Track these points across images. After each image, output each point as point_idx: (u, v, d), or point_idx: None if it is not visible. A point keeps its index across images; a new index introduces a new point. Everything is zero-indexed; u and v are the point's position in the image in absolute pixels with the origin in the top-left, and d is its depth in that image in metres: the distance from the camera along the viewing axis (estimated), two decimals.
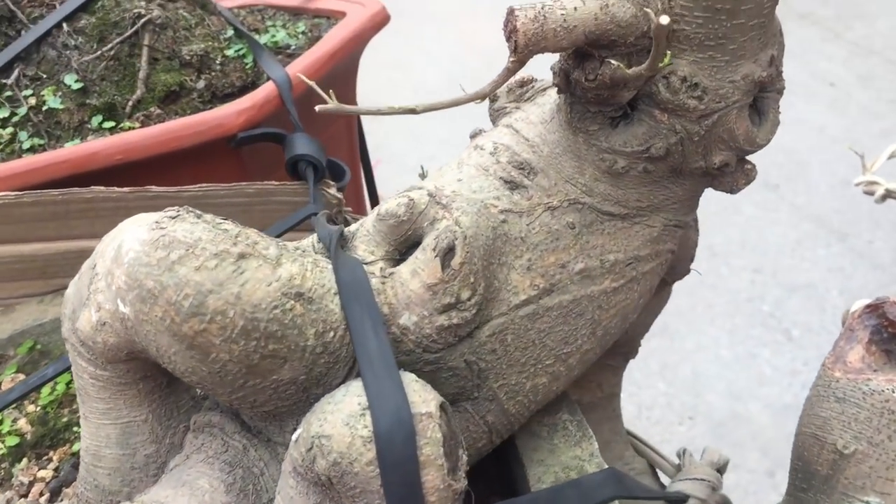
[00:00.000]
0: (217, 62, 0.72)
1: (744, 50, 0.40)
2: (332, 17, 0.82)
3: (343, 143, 0.87)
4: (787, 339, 2.20)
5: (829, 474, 0.53)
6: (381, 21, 0.79)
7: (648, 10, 0.37)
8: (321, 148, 0.62)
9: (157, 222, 0.38)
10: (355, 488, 0.36)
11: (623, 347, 0.62)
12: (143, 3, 0.71)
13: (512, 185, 0.44)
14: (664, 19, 0.36)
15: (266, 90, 0.64)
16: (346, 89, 0.83)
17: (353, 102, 0.86)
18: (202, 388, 0.40)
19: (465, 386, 0.43)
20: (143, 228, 0.38)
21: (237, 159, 0.65)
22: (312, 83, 0.38)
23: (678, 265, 0.54)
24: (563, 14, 0.37)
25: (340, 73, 0.77)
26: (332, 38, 0.73)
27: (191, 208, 0.40)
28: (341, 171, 0.65)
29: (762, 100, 0.44)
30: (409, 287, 0.40)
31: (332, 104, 0.37)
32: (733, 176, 0.45)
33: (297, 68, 0.68)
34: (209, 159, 0.63)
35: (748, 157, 0.46)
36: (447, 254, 0.41)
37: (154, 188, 0.59)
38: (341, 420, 0.36)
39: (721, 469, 0.60)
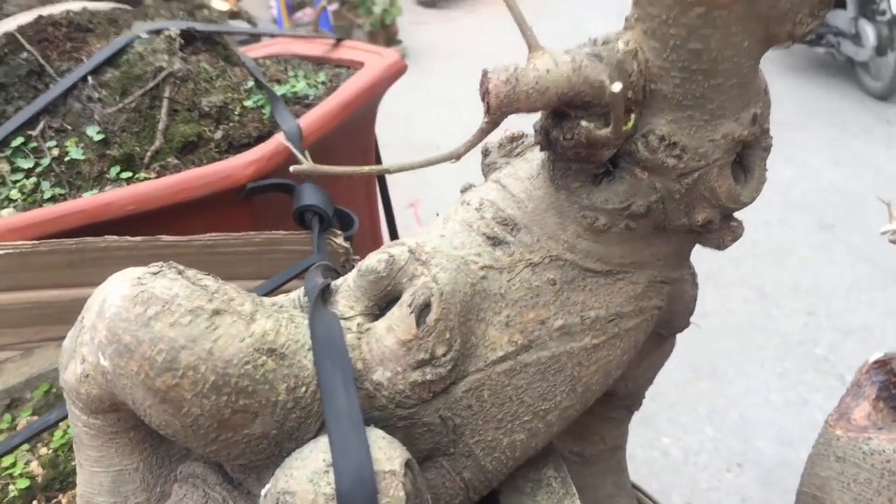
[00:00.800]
0: (236, 113, 0.74)
1: (723, 109, 0.40)
2: (352, 66, 0.83)
3: (360, 191, 0.89)
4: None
5: None
6: (397, 71, 0.80)
7: (604, 78, 0.37)
8: (328, 198, 0.63)
9: (138, 278, 0.39)
10: None
11: (625, 401, 0.61)
12: (165, 57, 0.73)
13: (494, 242, 0.44)
14: (616, 87, 0.36)
15: (275, 142, 0.66)
16: (363, 136, 0.84)
17: (371, 149, 0.87)
18: (178, 441, 0.41)
19: (440, 441, 0.43)
20: (125, 284, 0.39)
21: (249, 209, 0.66)
22: (288, 143, 0.39)
23: (675, 320, 0.53)
24: (535, 76, 0.38)
25: (357, 121, 0.78)
26: (347, 88, 0.75)
27: (174, 264, 0.41)
28: (350, 220, 0.66)
29: (747, 157, 0.44)
30: (383, 343, 0.41)
31: (307, 164, 0.38)
32: (719, 233, 0.44)
33: (311, 118, 0.70)
34: (220, 209, 0.65)
35: (735, 214, 0.45)
36: (423, 310, 0.41)
37: (165, 237, 0.61)
38: (305, 477, 0.36)
39: None
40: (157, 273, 0.40)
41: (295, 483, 0.36)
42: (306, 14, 6.82)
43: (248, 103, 0.75)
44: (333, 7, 8.00)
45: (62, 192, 0.68)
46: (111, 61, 0.73)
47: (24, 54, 0.73)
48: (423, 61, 7.41)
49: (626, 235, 0.44)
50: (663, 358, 0.61)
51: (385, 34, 7.46)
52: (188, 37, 0.77)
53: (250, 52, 0.92)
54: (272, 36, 0.97)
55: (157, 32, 0.75)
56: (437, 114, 6.01)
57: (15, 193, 0.68)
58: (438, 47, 7.71)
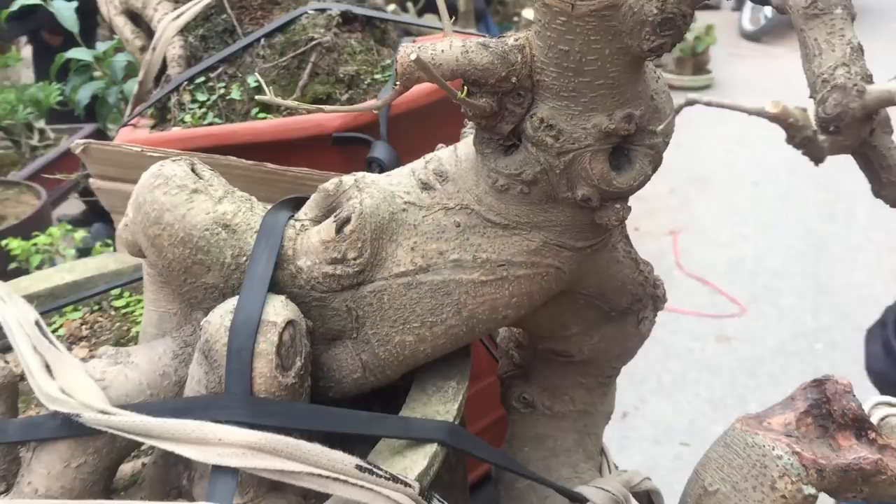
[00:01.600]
0: (365, 82, 0.91)
1: (595, 104, 0.49)
2: None
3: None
4: None
5: (692, 496, 0.57)
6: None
7: (490, 63, 0.48)
8: (394, 154, 0.77)
9: (161, 163, 0.57)
10: (216, 361, 0.51)
11: (590, 368, 0.69)
12: (321, 31, 0.92)
13: (425, 186, 0.56)
14: (413, 56, 0.46)
15: (369, 106, 0.81)
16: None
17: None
18: (164, 279, 0.58)
19: (345, 327, 0.56)
20: (155, 166, 0.57)
21: (339, 154, 0.82)
22: (263, 82, 0.54)
23: (609, 296, 0.62)
24: (432, 54, 0.49)
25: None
26: None
27: (195, 160, 0.58)
28: None
29: (631, 151, 0.52)
30: (311, 240, 0.55)
31: (269, 97, 0.52)
32: (603, 212, 0.53)
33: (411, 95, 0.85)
34: (315, 150, 0.81)
35: (628, 199, 0.53)
36: (345, 222, 0.54)
37: (269, 165, 0.79)
38: (218, 313, 0.52)
39: (637, 492, 0.65)
40: (175, 161, 0.57)
41: (212, 317, 0.52)
42: None
43: (379, 76, 0.92)
44: None
45: (219, 121, 0.89)
46: (282, 28, 0.92)
47: (224, 16, 0.95)
48: (727, 94, 7.22)
49: (523, 198, 0.54)
50: (627, 338, 0.68)
51: (694, 62, 7.38)
52: (348, 17, 0.95)
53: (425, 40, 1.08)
54: (433, 28, 1.12)
55: (323, 10, 0.94)
56: (727, 148, 5.88)
57: (188, 118, 0.89)
58: (749, 82, 7.49)
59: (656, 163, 0.53)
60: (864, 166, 0.52)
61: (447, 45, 0.49)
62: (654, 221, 4.74)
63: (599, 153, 0.51)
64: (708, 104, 0.98)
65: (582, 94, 0.49)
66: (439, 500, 0.50)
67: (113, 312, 0.86)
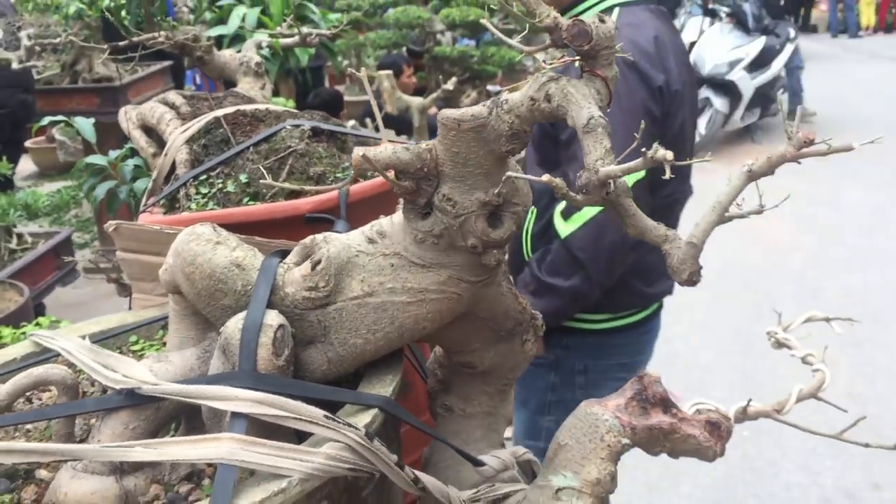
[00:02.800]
0: (329, 179, 1.20)
1: (476, 185, 0.79)
2: None
3: None
4: None
5: (551, 457, 0.84)
6: None
7: (409, 160, 0.78)
8: (351, 230, 1.06)
9: (194, 226, 0.85)
10: (231, 352, 0.78)
11: (492, 379, 0.97)
12: (296, 141, 1.22)
13: (370, 241, 0.85)
14: (356, 154, 0.76)
15: (331, 194, 1.11)
16: None
17: None
18: (188, 310, 0.85)
19: (316, 333, 0.83)
20: (190, 227, 0.85)
21: (312, 230, 1.10)
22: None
23: (498, 319, 0.90)
24: (374, 153, 0.79)
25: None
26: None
27: (216, 225, 0.86)
28: None
29: (502, 215, 0.81)
30: (294, 275, 0.83)
31: (269, 181, 0.81)
32: (485, 255, 0.81)
33: (357, 187, 1.14)
34: (292, 227, 1.09)
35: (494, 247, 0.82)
36: (317, 264, 0.82)
37: (257, 238, 1.07)
38: (234, 321, 0.79)
39: (521, 462, 0.91)
40: (203, 225, 0.85)
41: (229, 323, 0.79)
42: None
43: (340, 175, 1.21)
44: None
45: (218, 208, 1.17)
46: (266, 139, 1.22)
47: (221, 130, 1.25)
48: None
49: (434, 247, 0.82)
50: (515, 354, 0.96)
51: None
52: (317, 131, 1.26)
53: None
54: (378, 139, 1.43)
55: (297, 126, 1.24)
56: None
57: (193, 206, 1.18)
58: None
59: (518, 224, 0.82)
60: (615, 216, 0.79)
61: (384, 148, 0.79)
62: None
63: (480, 216, 0.80)
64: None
65: (468, 178, 0.78)
66: (379, 441, 0.76)
67: (130, 354, 1.12)
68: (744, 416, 0.96)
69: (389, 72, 5.11)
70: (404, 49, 7.75)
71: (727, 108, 9.41)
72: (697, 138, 9.88)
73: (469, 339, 0.92)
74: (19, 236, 3.95)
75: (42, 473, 0.85)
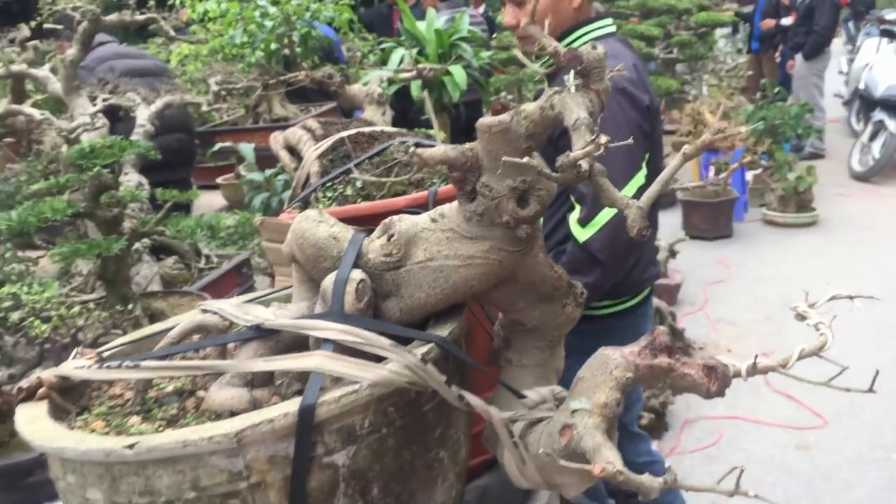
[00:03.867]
0: (427, 184, 1.49)
1: (507, 174, 1.03)
2: None
3: None
4: None
5: (572, 389, 1.06)
6: None
7: (455, 156, 1.04)
8: None
9: (305, 212, 1.15)
10: (326, 299, 1.07)
11: (540, 335, 1.20)
12: (401, 154, 1.51)
13: (433, 220, 1.11)
14: (426, 154, 1.02)
15: (422, 194, 1.38)
16: None
17: None
18: (305, 270, 1.14)
19: (391, 289, 1.10)
20: (304, 213, 1.15)
21: None
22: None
23: (537, 283, 1.14)
24: (429, 153, 1.06)
25: None
26: None
27: (322, 211, 1.16)
28: None
29: (528, 197, 1.05)
30: (374, 245, 1.11)
31: (358, 174, 1.10)
32: (518, 229, 1.06)
33: (444, 188, 1.42)
34: None
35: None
36: (392, 236, 1.10)
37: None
38: (329, 277, 1.08)
39: (559, 398, 1.13)
40: (312, 210, 1.14)
41: (326, 279, 1.08)
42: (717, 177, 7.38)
43: (435, 181, 1.50)
44: (757, 171, 8.45)
45: (339, 206, 1.48)
46: (378, 153, 1.53)
47: (344, 147, 1.56)
48: (831, 230, 7.52)
49: (478, 223, 1.08)
50: (557, 315, 1.19)
51: (797, 200, 7.72)
52: (419, 146, 1.55)
53: None
54: None
55: (403, 143, 1.54)
56: (826, 281, 6.15)
57: (320, 206, 1.49)
58: (853, 220, 7.75)
59: (542, 205, 1.06)
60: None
61: (437, 148, 1.06)
62: (745, 344, 5.06)
63: (511, 198, 1.05)
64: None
65: (500, 169, 1.04)
66: (432, 366, 1.02)
67: None
68: (754, 370, 1.15)
69: None
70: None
71: None
72: (871, 162, 9.48)
73: (514, 300, 1.17)
74: (207, 257, 4.51)
75: (200, 393, 1.17)
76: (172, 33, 4.58)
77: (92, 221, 3.29)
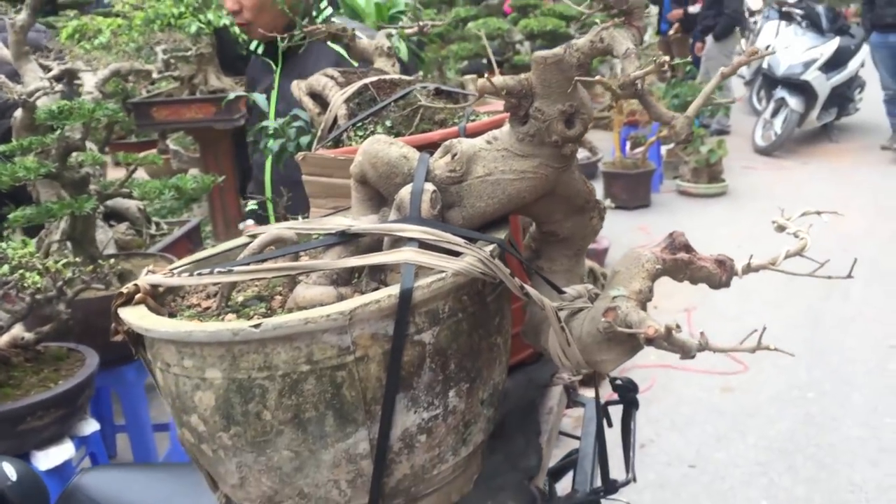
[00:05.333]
0: (449, 124, 1.67)
1: (557, 99, 1.23)
2: None
3: None
4: None
5: (609, 281, 1.28)
6: None
7: (510, 84, 1.23)
8: None
9: (374, 136, 1.31)
10: (404, 207, 1.24)
11: (569, 244, 1.41)
12: (423, 98, 1.69)
13: (488, 142, 1.30)
14: (482, 81, 1.21)
15: (453, 129, 1.57)
16: None
17: None
18: (379, 187, 1.31)
19: (454, 200, 1.29)
20: (373, 137, 1.32)
21: None
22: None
23: (573, 196, 1.34)
24: (494, 80, 1.24)
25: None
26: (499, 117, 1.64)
27: (389, 137, 1.33)
28: None
29: (574, 119, 1.25)
30: (440, 163, 1.29)
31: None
32: (565, 147, 1.26)
33: (473, 125, 1.60)
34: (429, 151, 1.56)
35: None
36: (454, 155, 1.28)
37: None
38: (405, 189, 1.25)
39: (591, 295, 1.34)
40: (378, 136, 1.31)
41: (402, 191, 1.25)
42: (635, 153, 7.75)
43: (456, 121, 1.68)
44: (669, 146, 8.89)
45: None
46: (402, 97, 1.70)
47: (369, 92, 1.73)
48: (739, 199, 8.01)
49: (529, 143, 1.27)
50: (585, 226, 1.40)
51: (709, 172, 8.18)
52: (439, 91, 1.73)
53: (485, 108, 1.86)
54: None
55: (425, 87, 1.71)
56: (738, 244, 6.57)
57: (353, 143, 1.66)
58: (759, 190, 8.26)
59: (585, 126, 1.26)
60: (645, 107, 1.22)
61: (498, 77, 1.24)
62: (671, 301, 5.41)
63: (560, 120, 1.24)
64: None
65: (551, 96, 1.23)
66: (500, 260, 1.21)
67: None
68: (748, 268, 1.38)
69: (474, 76, 5.60)
70: (485, 59, 8.23)
71: (802, 107, 9.59)
72: (773, 137, 10.07)
73: (553, 212, 1.37)
74: (157, 224, 4.57)
75: (277, 299, 1.33)
76: None
77: (59, 182, 3.34)
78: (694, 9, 10.64)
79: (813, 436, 3.88)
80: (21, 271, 2.59)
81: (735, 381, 4.54)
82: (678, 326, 1.10)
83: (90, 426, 2.79)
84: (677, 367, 4.49)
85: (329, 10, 2.97)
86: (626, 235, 6.72)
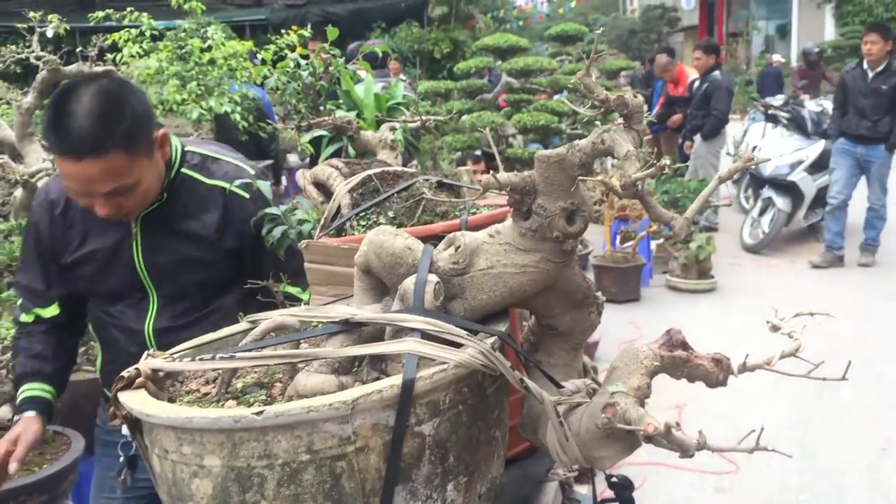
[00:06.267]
0: (450, 216, 1.71)
1: (559, 197, 1.27)
2: None
3: None
4: None
5: (607, 377, 1.29)
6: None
7: (516, 181, 1.26)
8: None
9: (379, 227, 1.34)
10: (407, 298, 1.26)
11: (567, 339, 1.42)
12: (424, 190, 1.73)
13: (490, 235, 1.33)
14: (502, 177, 1.25)
15: (455, 222, 1.60)
16: None
17: None
18: (381, 276, 1.33)
19: (457, 292, 1.31)
20: (378, 228, 1.35)
21: None
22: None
23: (573, 291, 1.36)
24: (498, 177, 1.28)
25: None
26: (498, 211, 1.68)
27: (392, 228, 1.36)
28: None
29: (575, 216, 1.28)
30: (443, 254, 1.31)
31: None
32: (566, 242, 1.29)
33: (473, 219, 1.64)
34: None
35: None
36: (458, 248, 1.31)
37: None
38: (409, 279, 1.27)
39: (589, 391, 1.35)
40: (384, 227, 1.34)
41: (406, 282, 1.27)
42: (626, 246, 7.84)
43: (458, 213, 1.72)
44: (660, 241, 8.98)
45: None
46: (405, 189, 1.74)
47: (373, 183, 1.77)
48: (728, 296, 8.05)
49: (532, 238, 1.30)
50: (583, 321, 1.42)
51: (698, 268, 8.24)
52: (441, 183, 1.77)
53: (485, 202, 1.89)
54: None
55: (427, 180, 1.76)
56: (727, 341, 6.58)
57: (356, 233, 1.69)
58: (747, 287, 8.32)
59: (585, 223, 1.29)
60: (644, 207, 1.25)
61: (502, 174, 1.28)
62: (660, 398, 5.37)
63: (561, 217, 1.27)
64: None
65: (553, 193, 1.27)
66: (499, 353, 1.22)
67: None
68: (744, 367, 1.39)
69: (468, 167, 5.71)
70: (478, 151, 8.38)
71: (789, 207, 9.74)
72: (761, 235, 10.14)
73: (553, 305, 1.39)
74: None
75: (278, 386, 1.33)
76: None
77: None
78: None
79: None
80: (12, 352, 2.58)
81: (728, 481, 4.49)
82: (678, 424, 1.10)
83: None
84: (669, 465, 4.45)
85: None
86: (615, 329, 6.72)
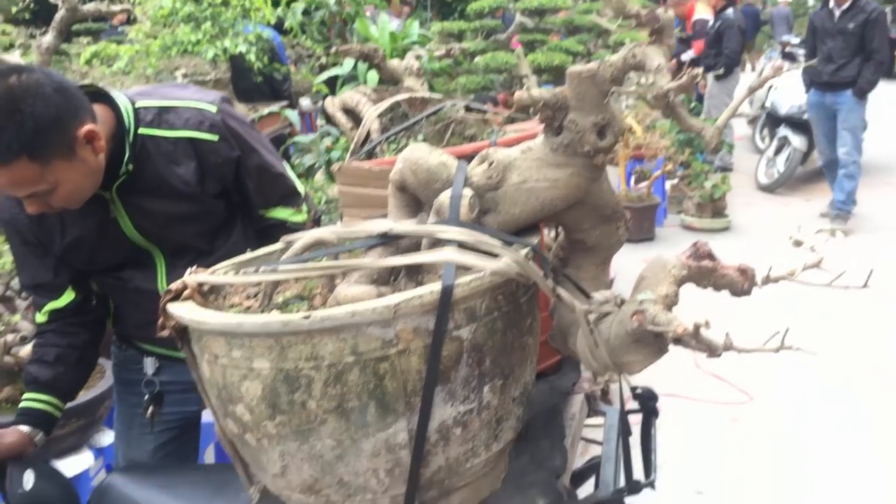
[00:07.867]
0: (479, 138, 1.74)
1: (590, 112, 1.30)
2: None
3: None
4: None
5: (636, 286, 1.33)
6: None
7: (546, 96, 1.30)
8: None
9: (414, 145, 1.38)
10: (442, 211, 1.31)
11: (595, 253, 1.47)
12: (455, 113, 1.76)
13: (522, 151, 1.37)
14: (534, 92, 1.28)
15: (484, 143, 1.64)
16: None
17: None
18: (416, 191, 1.38)
19: (491, 206, 1.35)
20: (412, 145, 1.39)
21: None
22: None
23: (600, 206, 1.41)
24: (531, 93, 1.31)
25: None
26: (528, 132, 1.72)
27: (429, 145, 1.40)
28: None
29: (605, 131, 1.32)
30: (477, 170, 1.36)
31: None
32: (597, 157, 1.33)
33: (503, 138, 1.68)
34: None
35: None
36: (491, 163, 1.35)
37: None
38: (444, 194, 1.32)
39: (618, 299, 1.40)
40: (418, 144, 1.38)
41: (442, 196, 1.32)
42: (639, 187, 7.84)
43: (484, 136, 1.75)
44: (675, 181, 8.97)
45: None
46: (434, 113, 1.78)
47: (401, 108, 1.80)
48: (742, 235, 8.07)
49: (563, 153, 1.34)
50: (611, 236, 1.46)
51: (713, 207, 8.24)
52: (468, 108, 1.80)
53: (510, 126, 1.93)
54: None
55: (454, 104, 1.79)
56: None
57: (387, 156, 1.73)
58: (762, 226, 8.32)
59: (616, 138, 1.33)
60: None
61: (536, 90, 1.31)
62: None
63: (592, 132, 1.31)
64: None
65: (585, 108, 1.30)
66: (532, 261, 1.27)
67: None
68: (768, 279, 1.44)
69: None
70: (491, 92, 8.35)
71: (805, 146, 9.66)
72: (776, 174, 10.09)
73: (582, 220, 1.44)
74: None
75: (318, 299, 1.39)
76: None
77: None
78: (686, 56, 10.83)
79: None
80: None
81: (742, 410, 4.57)
82: (707, 323, 1.15)
83: (108, 437, 2.82)
84: (685, 396, 4.53)
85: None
86: (630, 268, 6.75)
